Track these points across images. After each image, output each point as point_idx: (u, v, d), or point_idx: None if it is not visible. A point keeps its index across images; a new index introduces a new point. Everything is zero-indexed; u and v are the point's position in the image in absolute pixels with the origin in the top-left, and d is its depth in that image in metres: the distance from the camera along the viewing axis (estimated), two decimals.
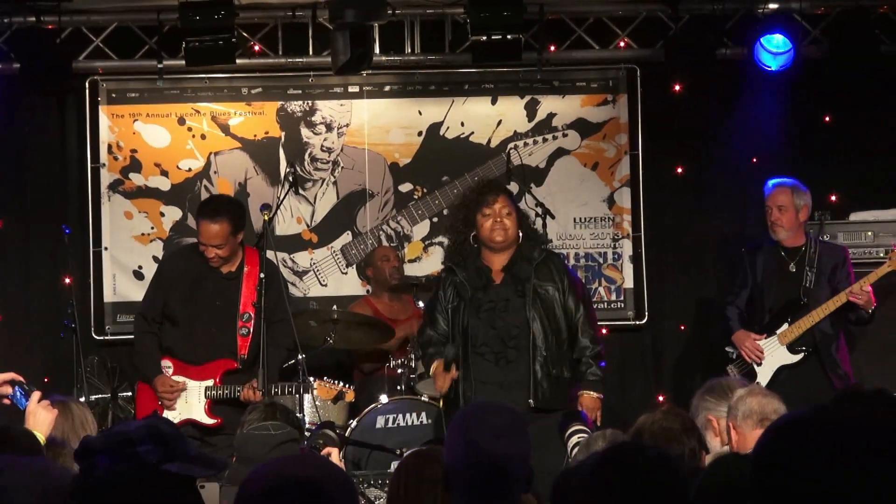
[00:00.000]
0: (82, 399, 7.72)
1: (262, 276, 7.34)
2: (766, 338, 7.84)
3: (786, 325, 7.80)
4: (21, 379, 5.39)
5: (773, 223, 7.88)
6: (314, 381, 7.42)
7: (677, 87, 9.35)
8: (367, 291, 9.24)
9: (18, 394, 5.26)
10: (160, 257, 9.06)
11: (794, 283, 7.86)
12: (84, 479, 2.78)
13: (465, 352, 6.90)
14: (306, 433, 7.44)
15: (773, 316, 7.88)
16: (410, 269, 9.20)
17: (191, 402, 7.18)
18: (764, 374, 7.80)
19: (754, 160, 9.40)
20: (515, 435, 3.28)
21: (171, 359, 7.24)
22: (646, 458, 2.68)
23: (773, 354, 7.81)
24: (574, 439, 5.16)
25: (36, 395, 5.11)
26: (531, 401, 6.80)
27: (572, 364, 6.95)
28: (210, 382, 7.19)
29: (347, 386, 7.63)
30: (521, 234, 7.05)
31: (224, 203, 7.80)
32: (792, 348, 7.80)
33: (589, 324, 6.99)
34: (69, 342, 9.10)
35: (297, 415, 7.74)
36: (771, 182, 7.98)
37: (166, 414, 7.18)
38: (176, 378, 7.23)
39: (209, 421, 7.36)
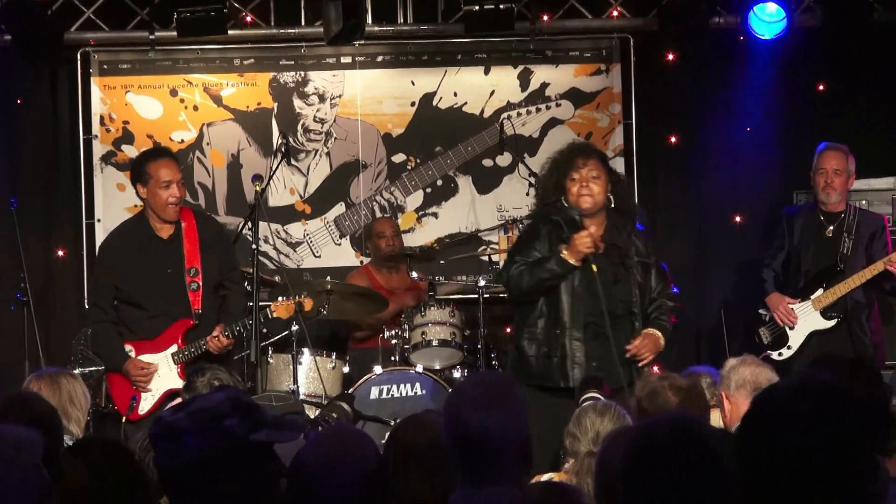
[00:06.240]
0: (77, 371, 7.71)
1: (254, 247, 7.27)
2: (800, 302, 7.84)
3: (820, 291, 7.79)
4: None
5: (828, 185, 7.80)
6: (271, 304, 7.25)
7: (670, 57, 9.33)
8: (361, 262, 9.24)
9: None
10: None
11: (830, 248, 7.83)
12: (171, 459, 2.74)
13: (559, 325, 6.30)
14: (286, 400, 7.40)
15: (808, 280, 7.86)
16: (404, 240, 9.17)
17: (163, 375, 7.04)
18: (796, 339, 7.81)
19: (748, 129, 9.38)
20: (495, 408, 3.13)
21: (132, 342, 7.10)
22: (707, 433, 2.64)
23: (806, 319, 7.81)
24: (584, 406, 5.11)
25: None
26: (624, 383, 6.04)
27: None
28: (174, 348, 7.06)
29: (304, 295, 7.36)
30: (611, 200, 6.38)
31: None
32: (825, 314, 7.80)
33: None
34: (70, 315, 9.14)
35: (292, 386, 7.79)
36: (824, 145, 7.92)
37: (144, 395, 7.07)
38: (143, 358, 7.07)
39: None
